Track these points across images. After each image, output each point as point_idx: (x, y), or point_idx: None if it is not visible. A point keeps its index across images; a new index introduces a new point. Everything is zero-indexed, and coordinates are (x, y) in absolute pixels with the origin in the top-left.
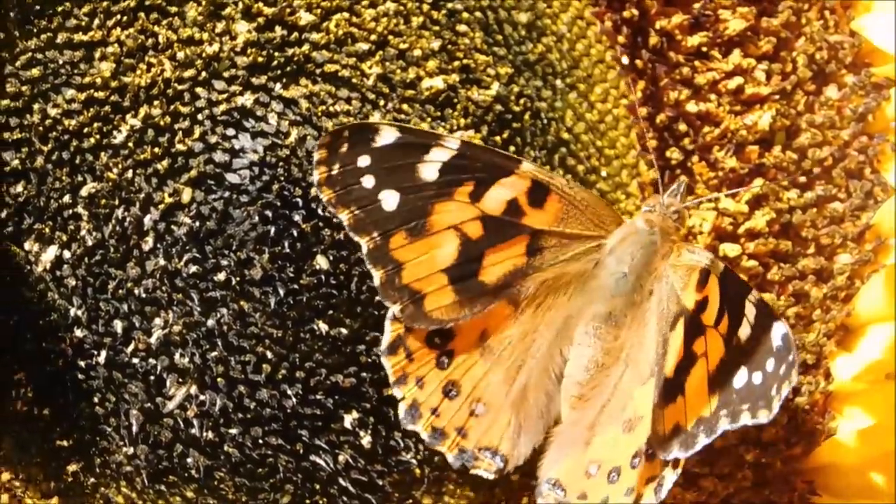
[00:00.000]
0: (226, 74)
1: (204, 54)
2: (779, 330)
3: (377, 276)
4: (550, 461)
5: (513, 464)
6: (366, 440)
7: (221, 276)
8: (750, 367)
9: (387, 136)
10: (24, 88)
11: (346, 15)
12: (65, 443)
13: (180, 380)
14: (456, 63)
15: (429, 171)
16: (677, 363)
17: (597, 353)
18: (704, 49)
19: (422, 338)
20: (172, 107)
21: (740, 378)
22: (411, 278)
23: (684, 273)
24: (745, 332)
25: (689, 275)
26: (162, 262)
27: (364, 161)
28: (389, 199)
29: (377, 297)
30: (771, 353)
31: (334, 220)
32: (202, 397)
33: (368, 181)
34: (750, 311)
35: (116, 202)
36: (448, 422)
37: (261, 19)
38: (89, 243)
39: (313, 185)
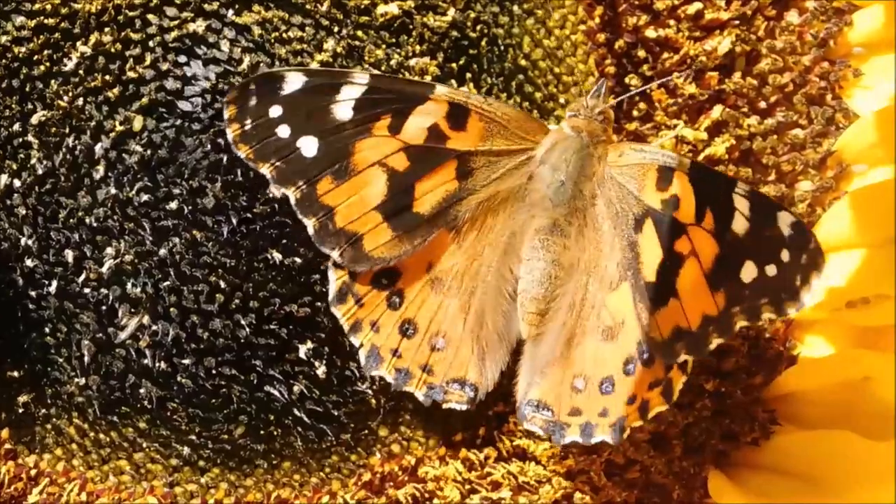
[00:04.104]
0: (177, 0)
1: None
2: (786, 219)
3: (310, 224)
4: (526, 383)
5: (483, 391)
6: (321, 370)
7: (173, 205)
8: (759, 260)
9: (294, 81)
10: None
11: None
12: (15, 373)
13: (132, 310)
14: None
15: (343, 110)
16: (659, 266)
17: (548, 265)
18: None
19: (368, 281)
20: (123, 34)
21: (748, 272)
22: (345, 221)
23: (637, 173)
24: (741, 225)
25: (645, 174)
26: (113, 190)
27: (276, 111)
28: (309, 146)
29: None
30: (783, 243)
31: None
32: (154, 327)
33: (284, 131)
34: (741, 203)
35: (67, 130)
36: (411, 361)
37: None
38: (40, 172)
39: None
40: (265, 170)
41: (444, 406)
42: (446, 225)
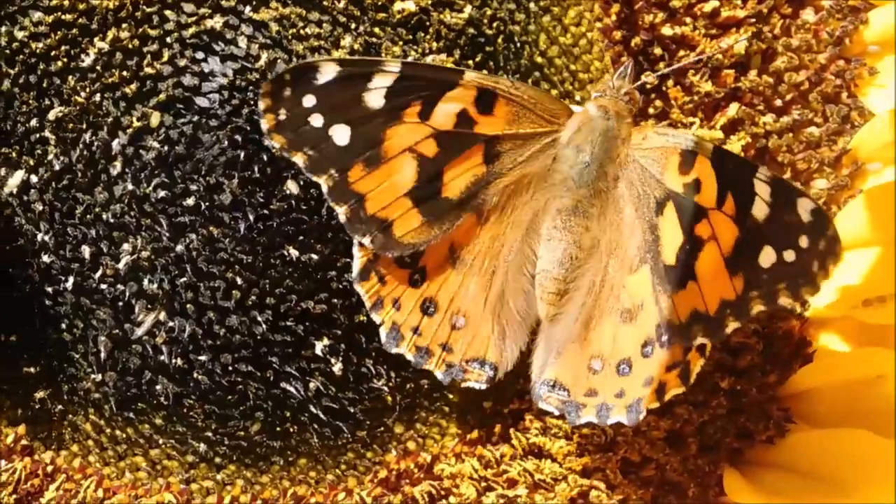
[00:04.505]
0: None
1: None
2: (805, 206)
3: (341, 212)
4: (542, 363)
5: (502, 370)
6: (337, 367)
7: (190, 201)
8: (777, 245)
9: (327, 72)
10: None
11: None
12: (32, 370)
13: (149, 306)
14: None
15: (375, 98)
16: (679, 249)
17: (569, 246)
18: None
19: (391, 259)
20: (141, 30)
21: (767, 257)
22: (376, 208)
23: (659, 156)
24: (761, 210)
25: (667, 157)
26: (130, 186)
27: (309, 101)
28: (341, 134)
29: None
30: (802, 230)
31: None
32: (171, 323)
33: (317, 120)
34: (762, 189)
35: (84, 126)
36: (431, 339)
37: None
38: (57, 168)
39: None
40: (298, 159)
41: (463, 385)
42: (473, 208)
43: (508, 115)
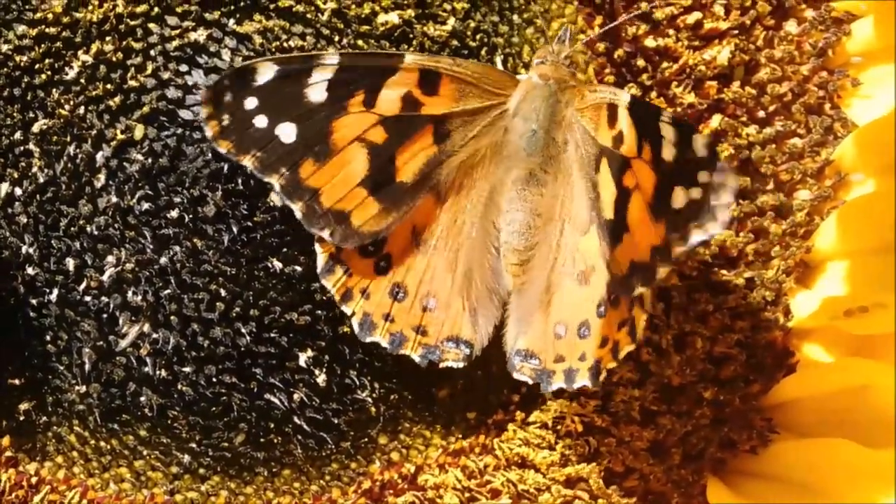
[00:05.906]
0: (178, 10)
1: None
2: (700, 141)
3: (297, 209)
4: (514, 333)
5: (479, 346)
6: (321, 378)
7: (174, 214)
8: (685, 184)
9: (266, 72)
10: None
11: None
12: (16, 381)
13: (133, 318)
14: None
15: (317, 93)
16: (613, 203)
17: (527, 215)
18: None
19: (355, 250)
20: (125, 42)
21: (679, 198)
22: (331, 201)
23: (592, 113)
24: (669, 152)
25: (598, 113)
26: (114, 199)
27: (251, 103)
28: (287, 132)
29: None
30: (700, 165)
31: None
32: (155, 335)
33: (261, 121)
34: (668, 131)
35: (68, 139)
36: (404, 324)
37: None
38: (41, 180)
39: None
40: (246, 161)
41: (442, 365)
42: (430, 189)
43: (454, 93)
